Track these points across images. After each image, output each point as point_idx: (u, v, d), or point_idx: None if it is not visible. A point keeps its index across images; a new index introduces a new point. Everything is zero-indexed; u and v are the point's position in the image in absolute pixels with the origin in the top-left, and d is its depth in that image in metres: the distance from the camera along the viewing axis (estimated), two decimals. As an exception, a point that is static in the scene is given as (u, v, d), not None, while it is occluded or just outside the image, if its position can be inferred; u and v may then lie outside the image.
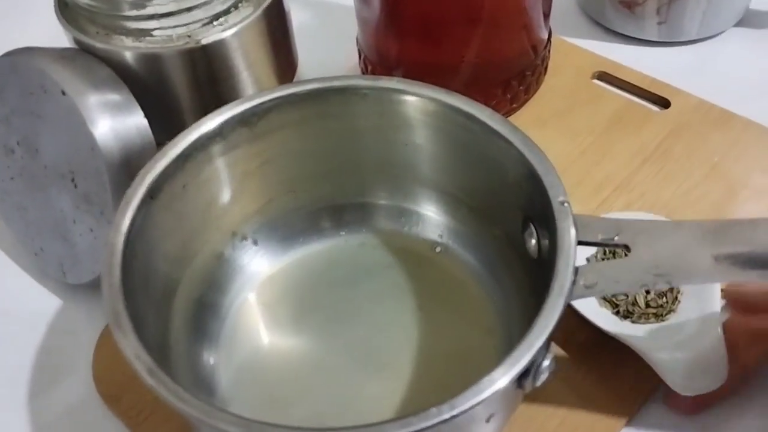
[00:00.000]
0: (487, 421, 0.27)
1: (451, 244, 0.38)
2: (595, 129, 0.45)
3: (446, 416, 0.24)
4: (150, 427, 0.34)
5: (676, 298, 0.36)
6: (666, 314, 0.35)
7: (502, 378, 0.25)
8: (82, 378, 0.37)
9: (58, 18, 0.40)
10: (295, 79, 0.46)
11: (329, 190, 0.39)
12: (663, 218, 0.37)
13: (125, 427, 0.35)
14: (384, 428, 0.24)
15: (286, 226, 0.39)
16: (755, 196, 0.41)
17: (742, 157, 0.43)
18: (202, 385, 0.34)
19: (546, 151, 0.31)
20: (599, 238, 0.28)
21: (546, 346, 0.26)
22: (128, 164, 0.36)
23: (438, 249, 0.38)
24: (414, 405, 0.25)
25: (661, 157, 0.43)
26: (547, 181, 0.29)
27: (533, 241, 0.31)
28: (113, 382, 0.36)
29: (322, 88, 0.36)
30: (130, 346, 0.27)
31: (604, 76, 0.48)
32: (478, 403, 0.24)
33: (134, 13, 0.38)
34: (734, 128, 0.45)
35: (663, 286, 0.27)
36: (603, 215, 0.30)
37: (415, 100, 0.35)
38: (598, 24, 0.53)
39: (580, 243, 0.28)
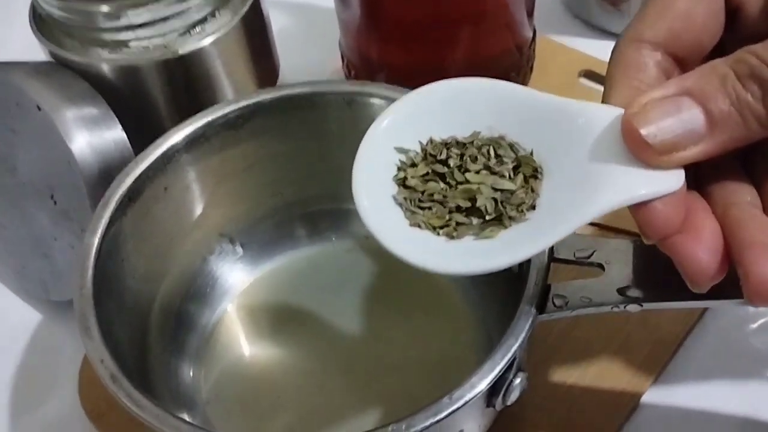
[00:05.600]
0: (456, 438, 0.27)
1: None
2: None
3: None
4: (136, 445, 0.34)
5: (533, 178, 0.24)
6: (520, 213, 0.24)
7: (463, 398, 0.25)
8: (68, 395, 0.37)
9: (34, 31, 0.39)
10: (277, 85, 0.46)
11: (316, 194, 0.39)
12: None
13: (111, 445, 0.35)
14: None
15: (272, 230, 0.39)
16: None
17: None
18: (183, 398, 0.34)
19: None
20: (575, 255, 0.27)
21: (512, 365, 0.26)
22: (107, 179, 0.35)
23: None
24: (393, 417, 0.25)
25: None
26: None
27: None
28: (99, 400, 0.35)
29: (307, 93, 0.36)
30: (95, 349, 0.27)
31: (590, 75, 0.48)
32: (436, 422, 0.24)
33: (109, 24, 0.37)
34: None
35: (635, 309, 0.26)
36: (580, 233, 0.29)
37: None
38: (583, 21, 0.52)
39: (555, 260, 0.27)
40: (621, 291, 0.27)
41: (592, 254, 0.28)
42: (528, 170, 0.24)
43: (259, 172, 0.37)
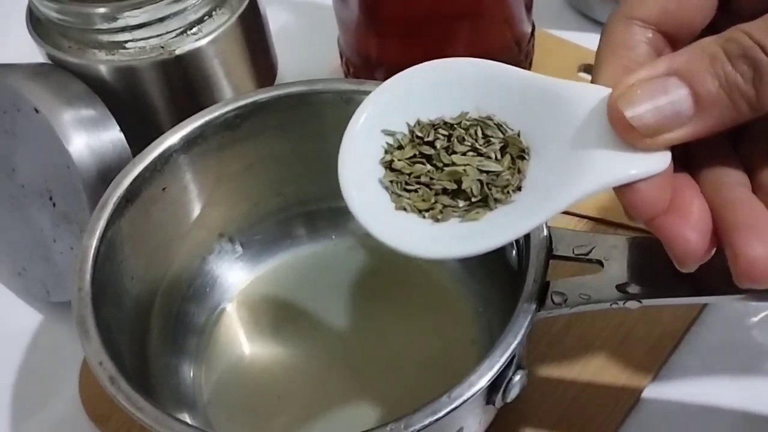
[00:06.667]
0: (455, 435, 0.27)
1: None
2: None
3: None
4: (138, 447, 0.34)
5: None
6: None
7: (462, 396, 0.25)
8: (70, 397, 0.37)
9: (31, 33, 0.39)
10: (275, 84, 0.46)
11: (316, 193, 0.39)
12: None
13: (113, 446, 0.35)
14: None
15: (272, 229, 0.39)
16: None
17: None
18: (183, 399, 0.34)
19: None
20: (573, 252, 0.27)
21: (512, 362, 0.26)
22: (106, 181, 0.35)
23: None
24: (394, 416, 0.25)
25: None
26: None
27: (514, 253, 0.30)
28: (101, 401, 0.35)
29: (304, 91, 0.35)
30: (93, 351, 0.27)
31: (590, 69, 0.47)
32: (435, 421, 0.24)
33: (106, 26, 0.37)
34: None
35: (634, 306, 0.26)
36: (579, 229, 0.29)
37: None
38: (582, 15, 0.52)
39: (553, 257, 0.27)
40: (620, 287, 0.27)
41: (591, 251, 0.28)
42: (515, 151, 0.24)
43: (258, 172, 0.37)
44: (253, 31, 0.42)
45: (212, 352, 0.36)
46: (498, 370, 0.25)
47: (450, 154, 0.24)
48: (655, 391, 0.34)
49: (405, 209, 0.24)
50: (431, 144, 0.25)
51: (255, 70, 0.43)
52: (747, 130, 0.23)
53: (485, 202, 0.24)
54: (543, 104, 0.24)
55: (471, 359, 0.34)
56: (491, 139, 0.24)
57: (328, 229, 0.39)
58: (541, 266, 0.27)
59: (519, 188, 0.24)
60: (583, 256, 0.28)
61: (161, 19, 0.38)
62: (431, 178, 0.24)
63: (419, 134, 0.25)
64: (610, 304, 0.26)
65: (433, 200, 0.24)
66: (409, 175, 0.24)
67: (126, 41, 0.38)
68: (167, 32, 0.38)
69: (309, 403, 0.34)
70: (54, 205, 0.37)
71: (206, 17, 0.39)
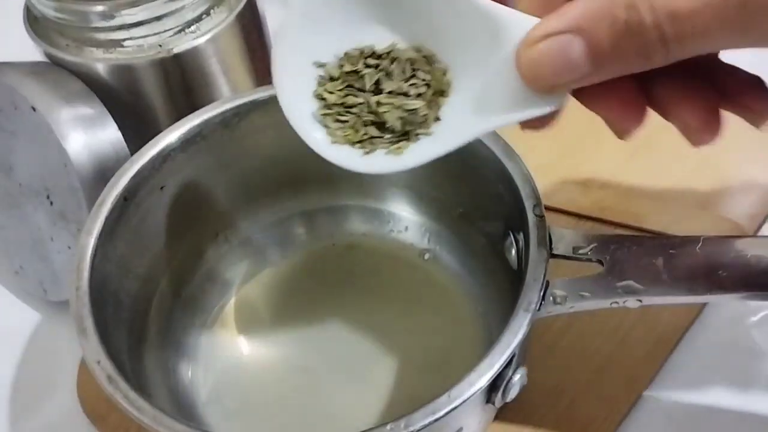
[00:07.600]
0: (455, 435, 0.27)
1: (438, 252, 0.38)
2: (579, 124, 0.44)
3: None
4: (136, 446, 0.34)
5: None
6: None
7: (462, 396, 0.25)
8: (67, 397, 0.37)
9: (28, 31, 0.39)
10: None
11: (314, 192, 0.39)
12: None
13: (111, 446, 0.34)
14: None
15: (270, 228, 0.39)
16: (745, 188, 0.40)
17: (732, 149, 0.42)
18: (181, 399, 0.33)
19: (530, 151, 0.31)
20: (573, 251, 0.27)
21: (511, 361, 0.26)
22: (103, 180, 0.35)
23: (426, 256, 0.38)
24: (394, 415, 0.25)
25: (648, 150, 0.43)
26: (524, 191, 0.29)
27: (513, 252, 0.30)
28: (99, 401, 0.35)
29: None
30: (91, 350, 0.27)
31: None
32: (435, 420, 0.24)
33: (103, 24, 0.37)
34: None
35: (634, 305, 0.26)
36: (579, 228, 0.29)
37: None
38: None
39: (553, 256, 0.27)
40: (620, 286, 0.27)
41: (591, 250, 0.28)
42: (438, 85, 0.25)
43: (256, 171, 0.37)
44: (251, 29, 0.42)
45: (210, 351, 0.36)
46: (498, 369, 0.25)
47: (377, 94, 0.26)
48: (655, 391, 0.34)
49: (339, 143, 0.26)
50: (360, 76, 0.26)
51: (253, 68, 0.43)
52: None
53: (407, 135, 0.25)
54: (473, 29, 0.24)
55: (471, 359, 0.33)
56: (418, 73, 0.25)
57: (327, 228, 0.39)
58: (540, 265, 0.27)
59: (437, 119, 0.25)
60: (582, 256, 0.28)
61: (159, 18, 0.37)
62: (362, 109, 0.26)
63: (348, 68, 0.26)
64: (610, 303, 0.26)
65: (362, 132, 0.26)
66: (341, 105, 0.26)
67: (123, 39, 0.38)
68: (165, 30, 0.38)
69: (308, 403, 0.34)
70: (51, 203, 0.36)
71: (204, 15, 0.39)
